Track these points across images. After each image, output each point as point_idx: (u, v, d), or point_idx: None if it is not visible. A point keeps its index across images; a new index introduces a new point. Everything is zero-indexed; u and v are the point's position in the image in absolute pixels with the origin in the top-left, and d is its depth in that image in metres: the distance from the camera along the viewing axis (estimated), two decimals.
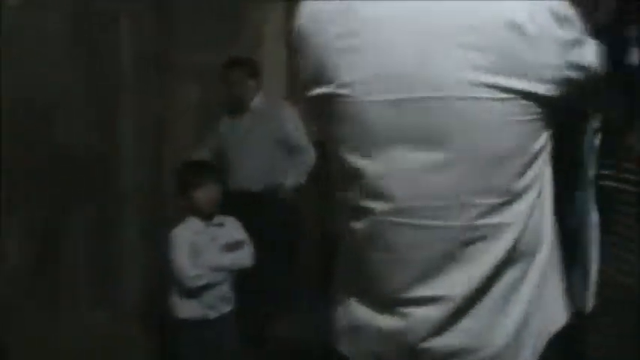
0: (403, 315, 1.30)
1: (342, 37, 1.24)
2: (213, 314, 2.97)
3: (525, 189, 1.27)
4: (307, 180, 4.19)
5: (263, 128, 4.10)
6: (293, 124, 4.09)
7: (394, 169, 1.24)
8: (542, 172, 1.31)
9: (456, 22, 1.19)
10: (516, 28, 1.17)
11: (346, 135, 1.28)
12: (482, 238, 1.25)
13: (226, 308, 3.02)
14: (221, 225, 3.09)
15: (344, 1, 1.26)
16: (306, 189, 4.22)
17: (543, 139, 1.29)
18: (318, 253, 4.59)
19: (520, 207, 1.27)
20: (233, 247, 3.05)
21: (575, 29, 1.25)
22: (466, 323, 1.28)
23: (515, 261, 1.28)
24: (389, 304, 1.32)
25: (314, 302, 4.23)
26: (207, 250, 2.98)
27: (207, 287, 2.94)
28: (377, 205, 1.27)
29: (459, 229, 1.25)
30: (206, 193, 3.03)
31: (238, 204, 3.53)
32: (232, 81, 4.12)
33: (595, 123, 1.85)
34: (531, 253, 1.31)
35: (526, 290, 1.30)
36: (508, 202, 1.26)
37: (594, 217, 1.79)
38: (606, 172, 1.77)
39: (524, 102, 1.21)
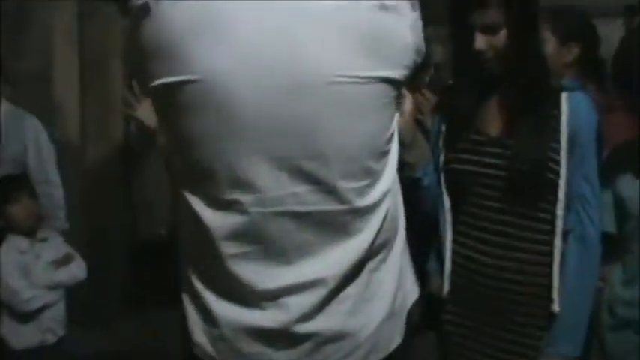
0: (278, 306, 1.28)
1: (195, 24, 1.16)
2: (51, 338, 2.78)
3: (384, 168, 1.31)
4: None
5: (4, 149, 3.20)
6: (36, 148, 3.27)
7: (263, 157, 1.21)
8: (395, 152, 1.35)
9: (322, 5, 1.17)
10: (381, 10, 1.19)
11: (206, 125, 1.21)
12: (354, 220, 1.27)
13: (62, 331, 2.84)
14: (45, 240, 2.91)
15: None
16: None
17: (395, 119, 1.33)
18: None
19: (382, 187, 1.31)
20: (64, 260, 2.88)
21: (417, 12, 1.30)
22: (342, 306, 1.30)
23: (381, 243, 1.32)
24: (260, 298, 1.28)
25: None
26: (38, 267, 2.80)
27: (43, 309, 2.76)
28: (244, 198, 1.23)
29: (332, 213, 1.25)
30: (23, 208, 2.85)
31: None
32: None
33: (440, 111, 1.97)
34: (393, 234, 1.36)
35: (390, 271, 1.36)
36: (373, 184, 1.29)
37: (446, 201, 1.88)
38: (452, 156, 1.86)
39: (384, 85, 1.23)
